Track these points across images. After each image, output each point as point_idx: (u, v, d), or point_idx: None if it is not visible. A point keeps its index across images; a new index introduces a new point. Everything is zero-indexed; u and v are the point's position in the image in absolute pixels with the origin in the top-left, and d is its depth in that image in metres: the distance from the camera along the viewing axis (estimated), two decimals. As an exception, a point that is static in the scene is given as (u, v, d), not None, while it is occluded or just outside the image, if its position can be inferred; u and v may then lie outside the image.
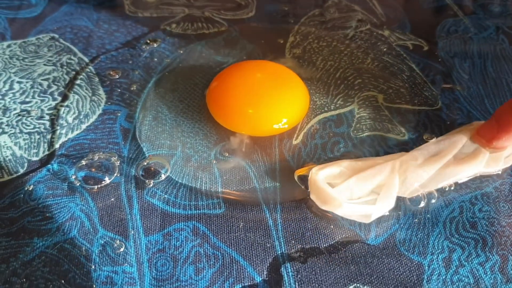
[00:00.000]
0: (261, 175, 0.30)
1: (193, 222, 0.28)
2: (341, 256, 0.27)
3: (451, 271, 0.26)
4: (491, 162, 0.30)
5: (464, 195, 0.30)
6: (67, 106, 0.34)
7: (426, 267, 0.26)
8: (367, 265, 0.26)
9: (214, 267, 0.26)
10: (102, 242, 0.27)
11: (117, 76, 0.36)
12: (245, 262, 0.26)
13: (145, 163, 0.30)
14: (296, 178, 0.30)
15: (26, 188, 0.29)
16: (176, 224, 0.28)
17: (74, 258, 0.26)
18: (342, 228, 0.28)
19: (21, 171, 0.30)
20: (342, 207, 0.27)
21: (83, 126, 0.33)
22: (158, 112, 0.34)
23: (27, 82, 0.36)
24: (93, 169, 0.30)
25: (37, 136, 0.32)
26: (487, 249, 0.27)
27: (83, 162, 0.30)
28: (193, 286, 0.25)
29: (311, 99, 0.35)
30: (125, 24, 0.41)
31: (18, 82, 0.36)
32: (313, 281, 0.26)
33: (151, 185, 0.29)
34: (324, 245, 0.27)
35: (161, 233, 0.27)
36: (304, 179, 0.29)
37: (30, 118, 0.33)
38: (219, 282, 0.25)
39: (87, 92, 0.35)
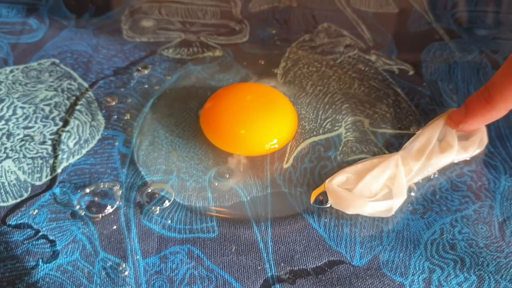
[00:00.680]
0: (253, 199, 0.32)
1: (188, 245, 0.29)
2: (327, 277, 0.28)
3: (430, 291, 0.28)
4: (461, 150, 0.34)
5: (445, 217, 0.32)
6: (68, 131, 0.36)
7: (407, 288, 0.28)
8: (351, 285, 0.28)
9: (208, 289, 0.28)
10: (103, 264, 0.28)
11: (113, 103, 0.38)
12: (237, 284, 0.28)
13: (149, 190, 0.32)
14: (312, 201, 0.32)
15: (30, 212, 0.31)
16: (172, 248, 0.29)
17: (76, 279, 0.28)
18: (329, 250, 0.30)
19: (25, 195, 0.32)
20: (367, 206, 0.30)
21: (84, 151, 0.35)
22: (154, 137, 0.36)
23: (29, 107, 0.37)
24: (96, 198, 0.32)
25: (40, 161, 0.34)
26: (465, 269, 0.29)
27: (87, 190, 0.32)
28: (188, 307, 0.27)
29: (301, 124, 0.37)
30: (123, 49, 0.43)
31: (21, 107, 0.37)
32: (301, 301, 0.27)
33: (157, 212, 0.31)
34: (312, 267, 0.29)
35: (158, 256, 0.29)
36: (320, 199, 0.32)
37: (33, 143, 0.35)
38: (212, 303, 0.27)
39: (87, 118, 0.37)
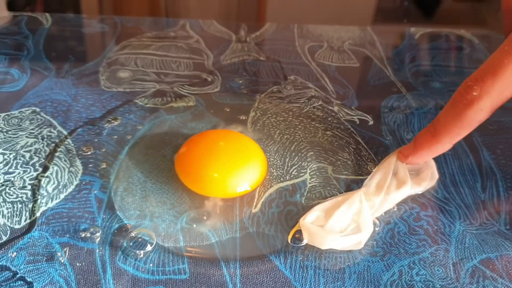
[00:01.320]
0: (223, 243, 0.34)
1: (160, 286, 0.31)
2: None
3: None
4: (415, 185, 0.38)
5: (403, 259, 0.34)
6: (47, 176, 0.38)
7: (366, 325, 0.30)
8: (314, 323, 0.30)
9: (179, 327, 0.29)
10: (79, 305, 0.30)
11: (89, 152, 0.40)
12: (207, 323, 0.30)
13: (133, 234, 0.34)
14: (290, 240, 0.34)
15: (9, 255, 0.32)
16: (145, 288, 0.31)
17: (52, 320, 0.29)
18: (294, 290, 0.32)
19: (4, 238, 0.33)
20: (338, 241, 0.33)
21: (62, 196, 0.36)
22: (129, 183, 0.38)
23: (10, 153, 0.39)
24: (73, 241, 0.33)
25: (20, 205, 0.35)
26: (421, 308, 0.31)
27: (65, 234, 0.33)
28: None
29: (269, 170, 0.39)
30: (100, 98, 0.46)
31: (1, 153, 0.39)
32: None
33: (141, 256, 0.33)
34: (278, 307, 0.31)
35: (132, 296, 0.31)
36: (296, 237, 0.34)
37: (13, 188, 0.36)
38: None
39: (66, 164, 0.39)
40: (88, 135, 0.41)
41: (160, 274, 0.32)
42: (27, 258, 0.32)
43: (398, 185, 0.37)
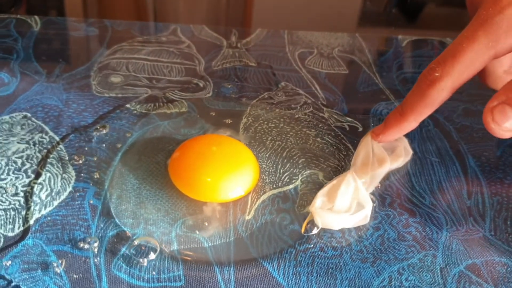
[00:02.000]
0: (217, 250, 0.34)
1: (156, 293, 0.31)
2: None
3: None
4: (393, 161, 0.41)
5: (393, 265, 0.35)
6: (40, 183, 0.38)
7: (358, 331, 0.31)
8: (308, 329, 0.31)
9: (176, 335, 0.30)
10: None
11: (81, 161, 0.40)
12: (203, 330, 0.30)
13: (136, 243, 0.34)
14: (303, 231, 0.36)
15: (3, 263, 0.32)
16: (141, 295, 0.31)
17: (48, 328, 0.29)
18: (287, 297, 0.32)
19: (-2, 246, 0.33)
20: (348, 219, 0.36)
21: (55, 203, 0.36)
22: (122, 190, 0.38)
23: (1, 159, 0.39)
24: (68, 248, 0.33)
25: (13, 212, 0.35)
26: (410, 313, 0.32)
27: (59, 242, 0.34)
28: None
29: (261, 177, 0.40)
30: (92, 103, 0.46)
31: (-7, 159, 0.39)
32: None
33: (145, 264, 0.33)
34: (272, 312, 0.31)
35: (128, 304, 0.31)
36: (307, 228, 0.36)
37: (5, 194, 0.36)
38: None
39: (58, 170, 0.39)
40: (80, 141, 0.42)
41: (156, 281, 0.32)
42: (21, 266, 0.32)
43: (379, 162, 0.40)
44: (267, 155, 0.42)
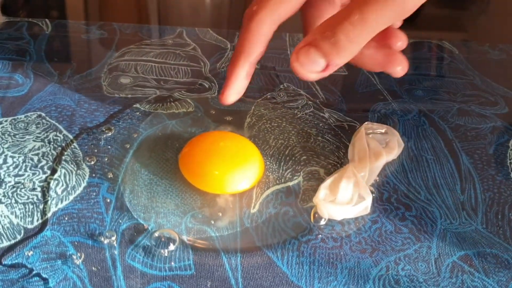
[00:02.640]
0: (224, 241, 0.36)
1: (168, 282, 0.34)
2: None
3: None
4: (388, 153, 0.44)
5: (390, 256, 0.37)
6: (55, 179, 0.40)
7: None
8: (310, 315, 0.33)
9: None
10: (93, 299, 0.32)
11: (92, 162, 0.42)
12: (212, 314, 0.32)
13: (157, 234, 0.36)
14: (313, 220, 0.39)
15: (24, 253, 0.34)
16: (153, 283, 0.33)
17: (68, 313, 0.31)
18: (291, 285, 0.34)
19: (18, 237, 0.35)
20: (350, 211, 0.38)
21: (71, 197, 0.38)
22: (134, 186, 0.40)
23: (19, 156, 0.41)
24: (85, 240, 0.35)
25: (31, 206, 0.37)
26: (407, 301, 0.34)
27: (76, 233, 0.36)
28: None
29: (266, 174, 0.42)
30: (103, 104, 0.48)
31: (11, 156, 0.41)
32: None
33: (165, 254, 0.35)
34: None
35: (142, 290, 0.33)
36: (315, 217, 0.39)
37: (24, 189, 0.39)
38: (191, 331, 0.31)
39: (73, 167, 0.41)
40: (92, 140, 0.44)
41: (167, 270, 0.34)
42: (41, 256, 0.34)
43: (376, 156, 0.42)
44: (270, 152, 0.44)
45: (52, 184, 0.39)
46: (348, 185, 0.39)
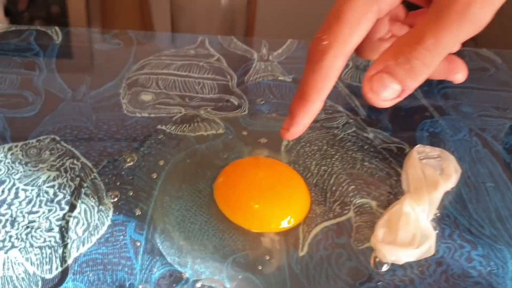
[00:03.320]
0: (273, 292, 0.32)
1: None
2: None
3: None
4: (446, 180, 0.39)
5: None
6: (75, 216, 0.35)
7: None
8: None
9: None
10: None
11: (116, 199, 0.37)
12: None
13: (199, 286, 0.31)
14: (373, 265, 0.34)
15: (44, 312, 0.29)
16: None
17: None
18: None
19: (36, 291, 0.30)
20: (413, 253, 0.34)
21: (94, 239, 0.34)
22: (165, 224, 0.35)
23: (32, 189, 0.36)
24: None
25: (48, 251, 0.32)
26: None
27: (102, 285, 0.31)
28: None
29: (311, 207, 0.37)
30: (124, 125, 0.43)
31: (23, 189, 0.36)
32: None
33: None
34: None
35: None
36: (378, 261, 0.34)
37: (39, 230, 0.34)
38: None
39: (94, 201, 0.36)
40: (115, 168, 0.39)
41: (211, 330, 0.29)
42: (64, 315, 0.29)
43: (433, 185, 0.38)
44: (313, 181, 0.39)
45: (72, 222, 0.34)
46: (408, 223, 0.35)
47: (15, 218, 0.34)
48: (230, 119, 0.45)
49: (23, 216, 0.34)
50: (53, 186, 0.37)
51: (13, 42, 0.51)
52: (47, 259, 0.32)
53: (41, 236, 0.33)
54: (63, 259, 0.32)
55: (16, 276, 0.31)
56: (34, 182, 0.37)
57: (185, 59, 0.51)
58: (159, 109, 0.45)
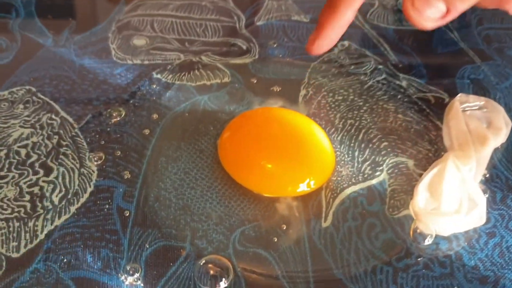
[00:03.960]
0: (289, 272, 0.27)
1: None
2: None
3: None
4: (495, 135, 0.34)
5: None
6: (51, 182, 0.29)
7: None
8: None
9: None
10: None
11: (100, 161, 0.31)
12: None
13: (201, 264, 0.26)
14: (412, 238, 0.29)
15: (6, 299, 0.24)
16: None
17: None
18: None
19: (-1, 273, 0.25)
20: (461, 223, 0.29)
21: (72, 209, 0.28)
22: (160, 189, 0.30)
23: (1, 149, 0.30)
24: (93, 276, 0.25)
25: (16, 224, 0.27)
26: None
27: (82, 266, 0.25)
28: None
29: (336, 169, 0.31)
30: (112, 73, 0.37)
31: (-11, 150, 0.30)
32: None
33: None
34: None
35: None
36: (419, 233, 0.29)
37: (6, 199, 0.28)
38: None
39: (74, 163, 0.30)
40: (101, 124, 0.33)
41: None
42: (31, 303, 0.24)
43: (480, 140, 0.34)
44: (338, 138, 0.34)
45: (46, 189, 0.29)
46: (453, 186, 0.30)
47: (-22, 185, 0.28)
48: (237, 65, 0.39)
49: (-12, 182, 0.29)
50: (25, 146, 0.31)
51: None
52: (15, 234, 0.27)
53: (8, 206, 0.28)
54: (34, 234, 0.27)
55: (-24, 255, 0.25)
56: (3, 141, 0.31)
57: (185, -1, 0.45)
58: (154, 55, 0.39)
